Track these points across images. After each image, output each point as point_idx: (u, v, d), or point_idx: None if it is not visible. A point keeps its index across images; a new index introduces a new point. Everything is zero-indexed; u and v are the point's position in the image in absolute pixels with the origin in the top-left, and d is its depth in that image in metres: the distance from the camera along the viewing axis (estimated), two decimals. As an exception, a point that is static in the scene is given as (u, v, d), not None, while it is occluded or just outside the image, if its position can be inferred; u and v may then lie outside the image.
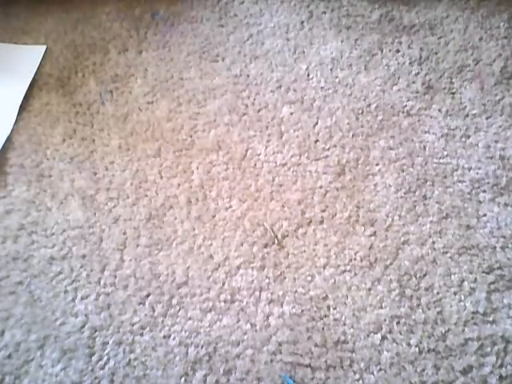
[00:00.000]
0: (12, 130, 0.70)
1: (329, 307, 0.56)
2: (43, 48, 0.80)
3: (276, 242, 0.61)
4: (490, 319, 0.55)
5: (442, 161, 0.68)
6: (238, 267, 0.59)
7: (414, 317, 0.55)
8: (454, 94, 0.75)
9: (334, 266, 0.59)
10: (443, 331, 0.54)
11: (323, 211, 0.63)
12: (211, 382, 0.51)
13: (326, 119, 0.72)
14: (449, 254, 0.59)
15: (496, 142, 0.69)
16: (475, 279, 0.58)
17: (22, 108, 0.72)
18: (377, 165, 0.67)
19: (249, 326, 0.55)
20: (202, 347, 0.53)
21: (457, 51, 0.80)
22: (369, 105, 0.74)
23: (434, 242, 0.60)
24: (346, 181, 0.66)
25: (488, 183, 0.65)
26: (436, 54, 0.80)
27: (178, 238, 0.61)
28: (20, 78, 0.76)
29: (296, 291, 0.57)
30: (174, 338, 0.54)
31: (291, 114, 0.73)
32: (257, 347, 0.53)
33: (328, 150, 0.69)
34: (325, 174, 0.67)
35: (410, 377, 0.52)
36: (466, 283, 0.57)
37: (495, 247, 0.60)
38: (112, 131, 0.71)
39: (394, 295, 0.57)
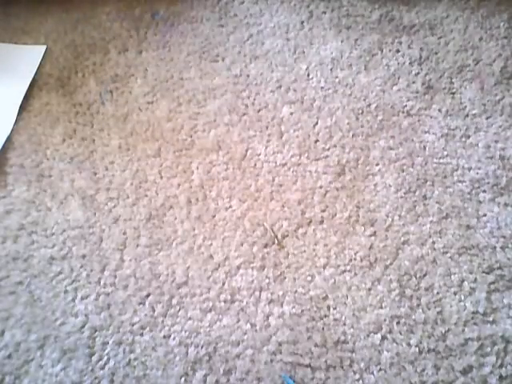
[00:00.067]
0: (12, 129, 0.70)
1: (329, 307, 0.56)
2: (43, 48, 0.80)
3: (276, 241, 0.61)
4: (490, 319, 0.55)
5: (442, 161, 0.68)
6: (238, 267, 0.59)
7: (414, 317, 0.55)
8: (454, 94, 0.75)
9: (334, 266, 0.59)
10: (443, 331, 0.54)
11: (323, 211, 0.63)
12: (211, 382, 0.51)
13: (326, 119, 0.72)
14: (449, 254, 0.59)
15: (496, 142, 0.69)
16: (475, 279, 0.58)
17: (22, 108, 0.72)
18: (377, 165, 0.67)
19: (249, 325, 0.55)
20: (202, 347, 0.53)
21: (457, 51, 0.80)
22: (369, 105, 0.74)
23: (434, 242, 0.60)
24: (346, 181, 0.66)
25: (488, 183, 0.65)
26: (436, 54, 0.80)
27: (178, 238, 0.61)
28: (20, 77, 0.76)
29: (296, 291, 0.57)
30: (174, 338, 0.54)
31: (291, 114, 0.73)
32: (257, 347, 0.53)
33: (328, 150, 0.69)
34: (325, 173, 0.67)
35: (410, 377, 0.52)
36: (465, 283, 0.57)
37: (495, 247, 0.60)
38: (112, 131, 0.71)
39: (394, 295, 0.57)
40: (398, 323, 0.55)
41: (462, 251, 0.60)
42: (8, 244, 0.60)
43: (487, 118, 0.72)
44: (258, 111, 0.73)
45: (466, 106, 0.73)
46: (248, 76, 0.77)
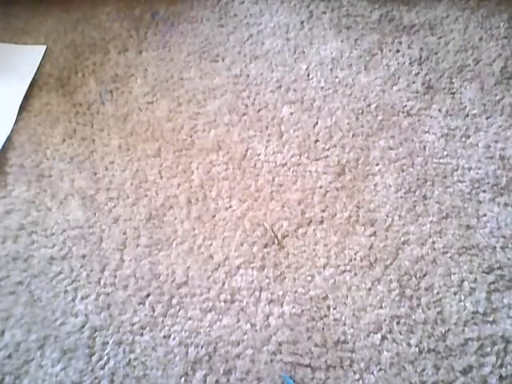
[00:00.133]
0: (12, 129, 0.70)
1: (329, 307, 0.56)
2: (43, 48, 0.80)
3: (276, 241, 0.61)
4: (490, 319, 0.55)
5: (442, 161, 0.68)
6: (238, 267, 0.59)
7: (414, 317, 0.55)
8: (454, 94, 0.75)
9: (334, 266, 0.59)
10: (443, 331, 0.54)
11: (323, 211, 0.63)
12: (211, 382, 0.51)
13: (326, 119, 0.72)
14: (449, 254, 0.59)
15: (496, 142, 0.69)
16: (475, 279, 0.58)
17: (22, 108, 0.72)
18: (377, 165, 0.67)
19: (249, 325, 0.55)
20: (202, 347, 0.53)
21: (457, 51, 0.80)
22: (369, 105, 0.74)
23: (434, 242, 0.60)
24: (346, 181, 0.66)
25: (488, 183, 0.65)
26: (436, 54, 0.80)
27: (178, 238, 0.61)
28: (20, 77, 0.76)
29: (296, 291, 0.57)
30: (174, 338, 0.54)
31: (291, 113, 0.73)
32: (257, 347, 0.53)
33: (328, 150, 0.69)
34: (325, 173, 0.67)
35: (410, 377, 0.52)
36: (465, 283, 0.57)
37: (495, 247, 0.60)
38: (112, 131, 0.71)
39: (394, 295, 0.57)
40: (398, 323, 0.55)
41: (461, 251, 0.60)
42: (8, 244, 0.60)
43: (487, 118, 0.72)
44: (258, 111, 0.73)
45: (466, 106, 0.73)
46: (248, 76, 0.77)
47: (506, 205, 0.63)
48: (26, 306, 0.56)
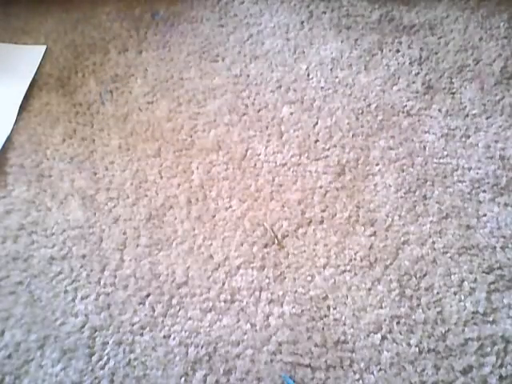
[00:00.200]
0: (12, 129, 0.70)
1: (329, 307, 0.56)
2: (43, 48, 0.80)
3: (276, 241, 0.61)
4: (490, 319, 0.55)
5: (442, 161, 0.68)
6: (238, 267, 0.59)
7: (414, 317, 0.55)
8: (454, 94, 0.75)
9: (334, 266, 0.59)
10: (443, 331, 0.54)
11: (323, 211, 0.63)
12: (211, 382, 0.51)
13: (326, 119, 0.72)
14: (449, 254, 0.59)
15: (496, 142, 0.69)
16: (475, 279, 0.58)
17: (22, 108, 0.72)
18: (377, 165, 0.67)
19: (249, 325, 0.55)
20: (202, 347, 0.53)
21: (457, 51, 0.80)
22: (369, 105, 0.74)
23: (434, 242, 0.60)
24: (346, 181, 0.66)
25: (488, 183, 0.65)
26: (436, 54, 0.80)
27: (178, 238, 0.61)
28: (20, 77, 0.76)
29: (296, 291, 0.57)
30: (174, 338, 0.54)
31: (291, 113, 0.73)
32: (257, 347, 0.53)
33: (328, 150, 0.69)
34: (325, 173, 0.67)
35: (410, 377, 0.52)
36: (466, 283, 0.57)
37: (495, 247, 0.60)
38: (112, 131, 0.71)
39: (394, 295, 0.57)
40: (398, 323, 0.55)
41: (461, 251, 0.60)
42: (8, 244, 0.60)
43: (487, 118, 0.72)
44: (258, 111, 0.73)
45: (466, 106, 0.73)
46: (248, 76, 0.77)
47: (506, 205, 0.63)
48: (26, 306, 0.56)
